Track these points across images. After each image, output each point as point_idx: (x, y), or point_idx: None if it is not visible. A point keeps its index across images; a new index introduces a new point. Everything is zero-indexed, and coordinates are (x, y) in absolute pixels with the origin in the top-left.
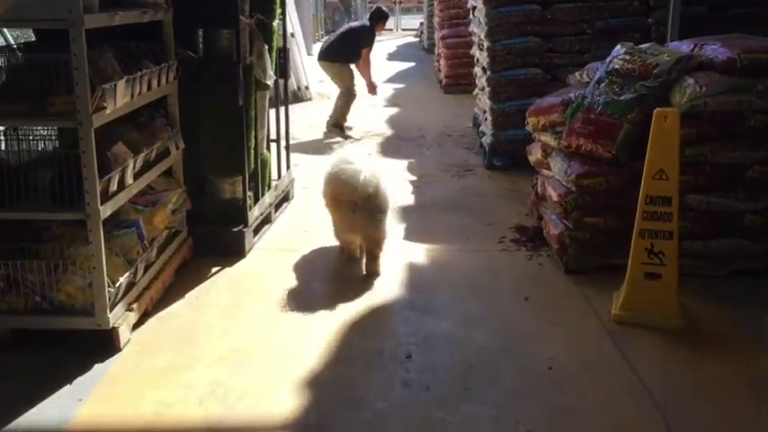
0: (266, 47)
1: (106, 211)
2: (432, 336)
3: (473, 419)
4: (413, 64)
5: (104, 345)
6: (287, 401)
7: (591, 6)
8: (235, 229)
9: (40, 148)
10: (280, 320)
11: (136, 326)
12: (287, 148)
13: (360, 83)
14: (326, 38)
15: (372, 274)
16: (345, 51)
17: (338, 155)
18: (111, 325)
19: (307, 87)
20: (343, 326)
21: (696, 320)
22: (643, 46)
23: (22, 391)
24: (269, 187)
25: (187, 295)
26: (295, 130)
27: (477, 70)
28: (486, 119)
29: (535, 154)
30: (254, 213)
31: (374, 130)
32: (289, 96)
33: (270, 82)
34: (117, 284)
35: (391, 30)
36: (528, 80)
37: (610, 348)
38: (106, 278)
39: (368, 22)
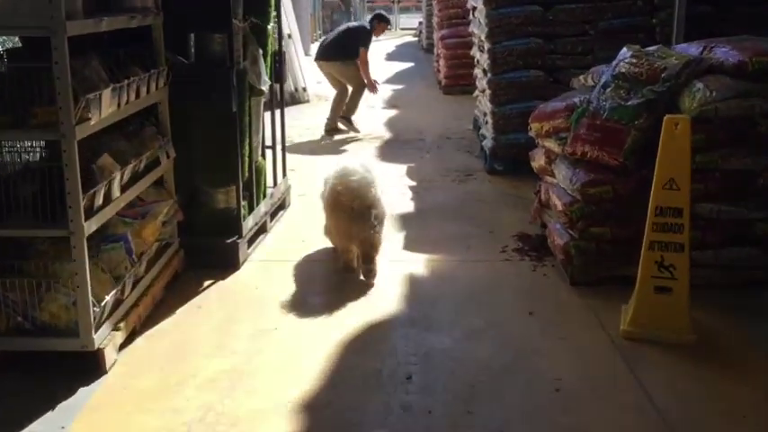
0: (260, 51)
1: (91, 226)
2: (432, 353)
3: None
4: (412, 64)
5: (90, 366)
6: (280, 428)
7: (593, 7)
8: (228, 241)
9: (27, 160)
10: (273, 338)
11: (123, 345)
12: (283, 154)
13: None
14: (324, 38)
15: (369, 276)
16: (346, 50)
17: (340, 161)
18: (96, 346)
19: (304, 89)
20: (341, 343)
21: (707, 334)
22: (650, 49)
23: (2, 419)
24: (264, 196)
25: (178, 311)
26: (292, 133)
27: (478, 72)
28: (486, 122)
29: (538, 160)
30: (249, 224)
31: (372, 132)
32: (286, 98)
33: (264, 87)
34: (103, 303)
35: (390, 29)
36: (529, 82)
37: (619, 365)
38: (91, 297)
39: (367, 24)
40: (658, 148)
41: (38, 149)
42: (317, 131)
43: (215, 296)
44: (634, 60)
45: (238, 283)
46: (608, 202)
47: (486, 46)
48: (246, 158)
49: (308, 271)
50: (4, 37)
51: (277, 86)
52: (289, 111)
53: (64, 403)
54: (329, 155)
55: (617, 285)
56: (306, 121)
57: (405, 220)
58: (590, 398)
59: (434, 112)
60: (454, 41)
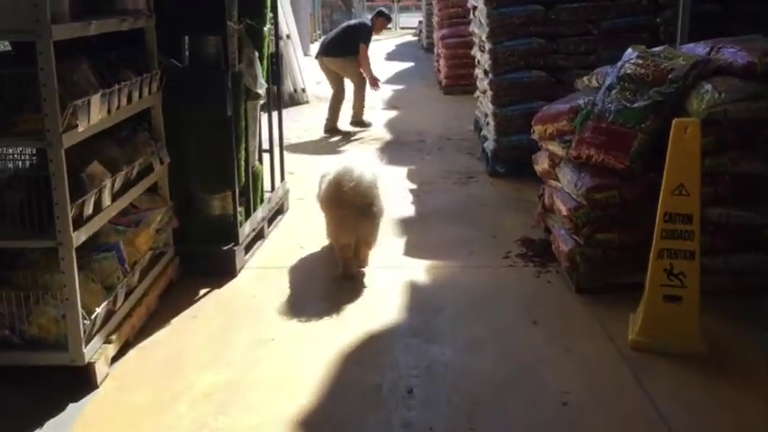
0: (256, 53)
1: (80, 237)
2: (434, 365)
3: None
4: (412, 64)
5: (80, 381)
6: None
7: (596, 6)
8: (225, 248)
9: (17, 167)
10: (270, 349)
11: (116, 357)
12: (281, 157)
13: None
14: (326, 35)
15: (362, 264)
16: (347, 47)
17: (337, 160)
18: (86, 361)
19: (303, 90)
20: (340, 355)
21: (718, 344)
22: (656, 49)
23: None
24: (261, 201)
25: (173, 321)
26: (291, 134)
27: (479, 72)
28: (488, 123)
29: (542, 164)
30: (246, 230)
31: (372, 134)
32: (285, 99)
33: (261, 90)
34: (93, 316)
35: (390, 28)
36: (532, 83)
37: (627, 377)
38: (80, 310)
39: (368, 21)
40: (666, 151)
41: (28, 157)
42: (316, 133)
43: (211, 305)
44: (640, 61)
45: (235, 292)
46: (614, 208)
47: (488, 46)
48: (243, 163)
49: (306, 278)
50: None
51: (275, 89)
52: (288, 112)
53: (52, 420)
54: (329, 156)
55: (624, 293)
56: (305, 123)
57: (405, 225)
58: (597, 412)
59: (435, 113)
60: (454, 41)
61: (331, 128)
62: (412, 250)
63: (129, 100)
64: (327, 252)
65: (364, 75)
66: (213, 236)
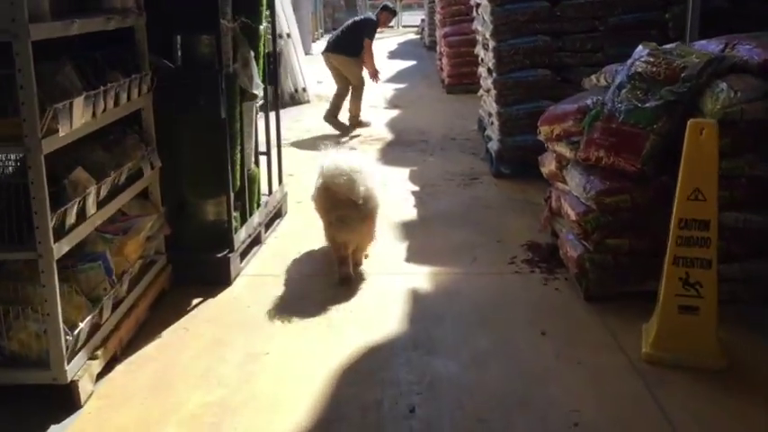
0: (252, 53)
1: (62, 248)
2: (437, 381)
3: None
4: (414, 62)
5: (63, 401)
6: None
7: (603, 2)
8: (219, 255)
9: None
10: (264, 364)
11: (102, 374)
12: (279, 159)
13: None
14: (333, 32)
15: (356, 264)
16: (351, 45)
17: (329, 157)
18: (69, 379)
19: (304, 89)
20: (338, 370)
21: (737, 358)
22: (668, 46)
23: None
24: (258, 205)
25: (163, 333)
26: (292, 135)
27: (482, 71)
28: (492, 123)
29: (548, 165)
30: (241, 236)
31: (374, 134)
32: (286, 99)
33: (257, 91)
34: (77, 331)
35: (392, 26)
36: (537, 82)
37: (641, 394)
38: (62, 325)
39: (373, 16)
40: (678, 153)
41: (10, 163)
42: (317, 133)
43: (204, 316)
44: (651, 59)
45: (229, 302)
46: (625, 212)
47: (491, 44)
48: (238, 167)
49: (303, 286)
50: None
51: (272, 88)
52: (289, 111)
53: None
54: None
55: (636, 301)
56: (306, 123)
57: (407, 229)
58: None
59: (437, 112)
60: (457, 39)
61: (332, 116)
62: (413, 256)
63: (117, 102)
64: (326, 256)
65: (366, 67)
66: (207, 243)
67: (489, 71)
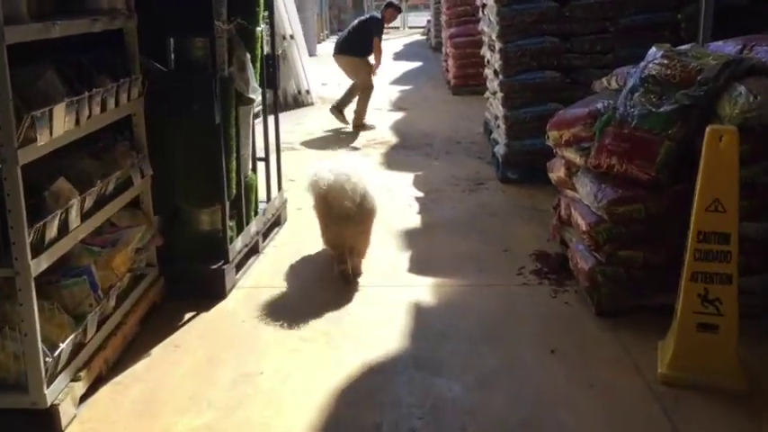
0: (248, 56)
1: (41, 264)
2: (441, 404)
3: None
4: (420, 63)
5: (43, 426)
6: None
7: (613, 2)
8: (214, 267)
9: None
10: (257, 385)
11: (86, 395)
12: (278, 165)
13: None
14: (340, 34)
15: (355, 274)
16: (358, 46)
17: (327, 161)
18: (49, 402)
19: (308, 91)
20: (335, 391)
21: (758, 377)
22: (682, 48)
23: None
24: (255, 213)
25: (153, 351)
26: (294, 138)
27: (489, 73)
28: (498, 126)
29: (557, 172)
30: (237, 246)
31: (378, 137)
32: (289, 101)
33: (254, 95)
34: (57, 352)
35: (398, 27)
36: (545, 84)
37: (657, 417)
38: (41, 346)
39: (378, 14)
40: (694, 159)
41: None
42: (320, 136)
43: (196, 332)
44: (665, 61)
45: (223, 316)
46: (639, 223)
47: (498, 45)
48: (234, 174)
49: (301, 299)
50: None
51: (272, 92)
52: (291, 114)
53: None
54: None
55: (650, 316)
56: (309, 126)
57: (410, 237)
58: None
59: (443, 114)
60: (463, 40)
61: (338, 110)
62: (416, 266)
63: (104, 108)
64: (326, 266)
65: (370, 77)
66: (201, 254)
67: (496, 73)
